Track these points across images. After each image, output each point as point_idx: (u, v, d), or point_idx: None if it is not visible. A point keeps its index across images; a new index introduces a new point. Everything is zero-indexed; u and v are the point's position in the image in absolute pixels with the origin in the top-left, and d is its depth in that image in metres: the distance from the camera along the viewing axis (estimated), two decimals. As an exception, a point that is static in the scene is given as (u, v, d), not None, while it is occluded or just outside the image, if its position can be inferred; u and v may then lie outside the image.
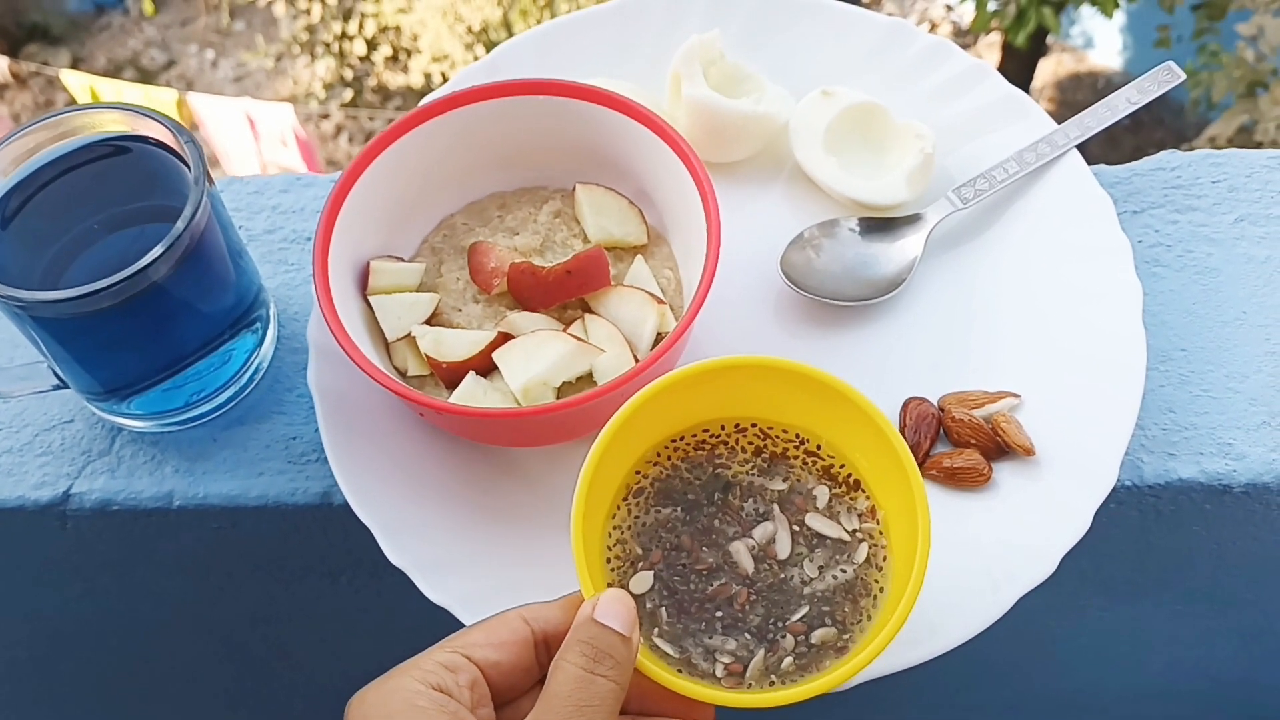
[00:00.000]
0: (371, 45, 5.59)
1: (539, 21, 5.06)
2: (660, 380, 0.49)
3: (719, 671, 0.47)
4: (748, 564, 0.49)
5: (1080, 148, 0.67)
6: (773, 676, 0.47)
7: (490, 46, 5.20)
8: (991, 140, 0.69)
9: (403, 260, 0.65)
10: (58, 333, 0.57)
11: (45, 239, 0.59)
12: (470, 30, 5.34)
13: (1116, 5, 4.17)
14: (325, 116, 5.63)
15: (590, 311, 0.62)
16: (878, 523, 0.50)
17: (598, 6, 0.74)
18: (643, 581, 0.49)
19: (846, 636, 0.48)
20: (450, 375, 0.60)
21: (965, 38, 5.45)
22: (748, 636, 0.48)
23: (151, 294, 0.55)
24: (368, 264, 0.63)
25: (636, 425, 0.49)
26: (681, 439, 0.52)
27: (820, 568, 0.49)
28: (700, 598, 0.48)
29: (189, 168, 0.57)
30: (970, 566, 0.56)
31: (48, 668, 0.85)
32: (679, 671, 0.47)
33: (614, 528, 0.50)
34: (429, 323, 0.62)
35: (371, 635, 0.74)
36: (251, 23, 5.97)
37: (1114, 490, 0.57)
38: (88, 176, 0.60)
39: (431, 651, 0.43)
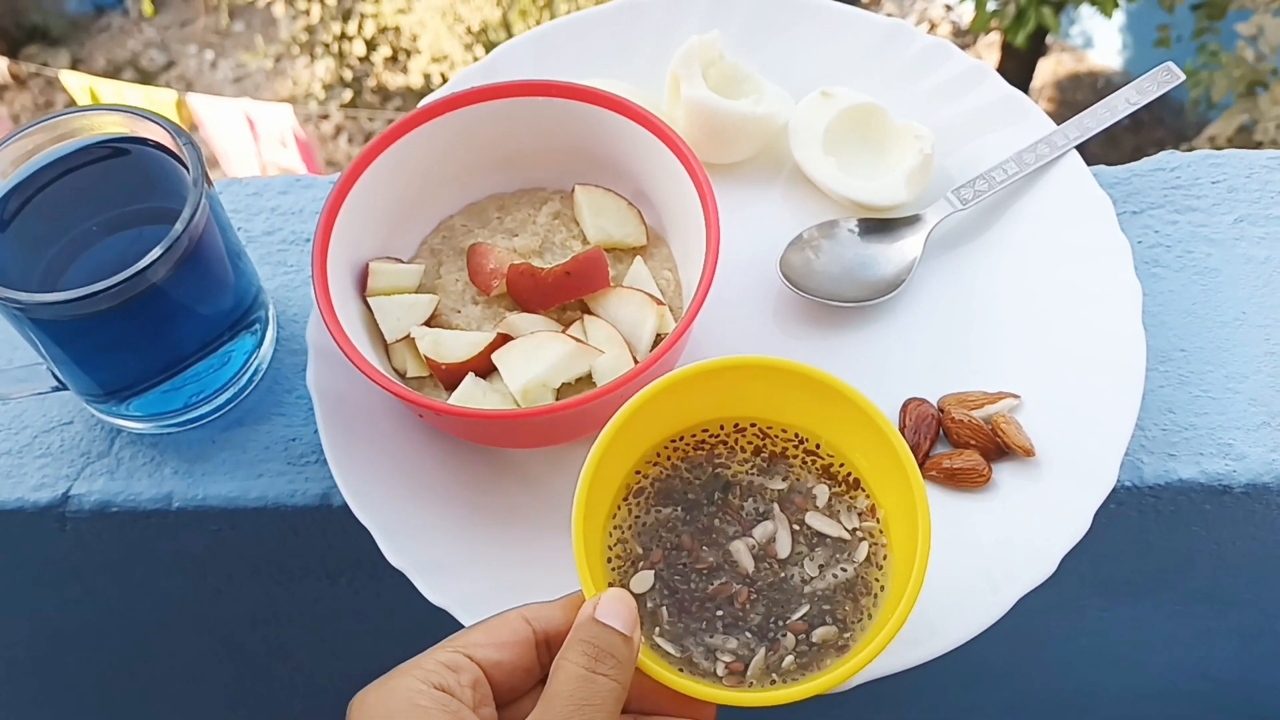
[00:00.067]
0: (371, 46, 5.59)
1: (538, 22, 5.07)
2: (660, 381, 0.49)
3: (720, 670, 0.47)
4: (748, 563, 0.49)
5: (1080, 148, 0.67)
6: (774, 675, 0.47)
7: (489, 47, 5.20)
8: (991, 141, 0.69)
9: (402, 262, 0.65)
10: (56, 334, 0.57)
11: (44, 241, 0.59)
12: (469, 31, 5.34)
13: (1116, 5, 4.17)
14: (325, 117, 5.63)
15: (589, 313, 0.62)
16: (878, 521, 0.51)
17: (597, 7, 0.74)
18: (643, 581, 0.49)
19: (847, 635, 0.48)
20: (449, 377, 0.60)
21: (965, 38, 5.45)
22: (749, 635, 0.48)
23: (150, 296, 0.55)
24: (367, 265, 0.63)
25: (636, 426, 0.50)
26: (681, 439, 0.52)
27: (821, 566, 0.49)
28: (701, 597, 0.49)
29: (188, 169, 0.57)
30: (970, 567, 0.56)
31: (47, 668, 0.85)
32: (680, 670, 0.47)
33: (614, 527, 0.50)
34: (428, 324, 0.62)
35: (371, 636, 0.74)
36: (251, 23, 5.97)
37: (1114, 491, 0.57)
38: (87, 178, 0.60)
39: (433, 651, 0.43)
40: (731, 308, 0.64)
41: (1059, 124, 0.68)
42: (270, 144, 4.01)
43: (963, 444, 0.59)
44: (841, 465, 0.52)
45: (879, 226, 0.67)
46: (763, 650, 0.47)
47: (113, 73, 5.54)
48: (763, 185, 0.70)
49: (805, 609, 0.48)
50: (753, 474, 0.52)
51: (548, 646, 0.45)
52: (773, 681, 0.47)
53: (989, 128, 0.69)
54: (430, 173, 0.65)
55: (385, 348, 0.62)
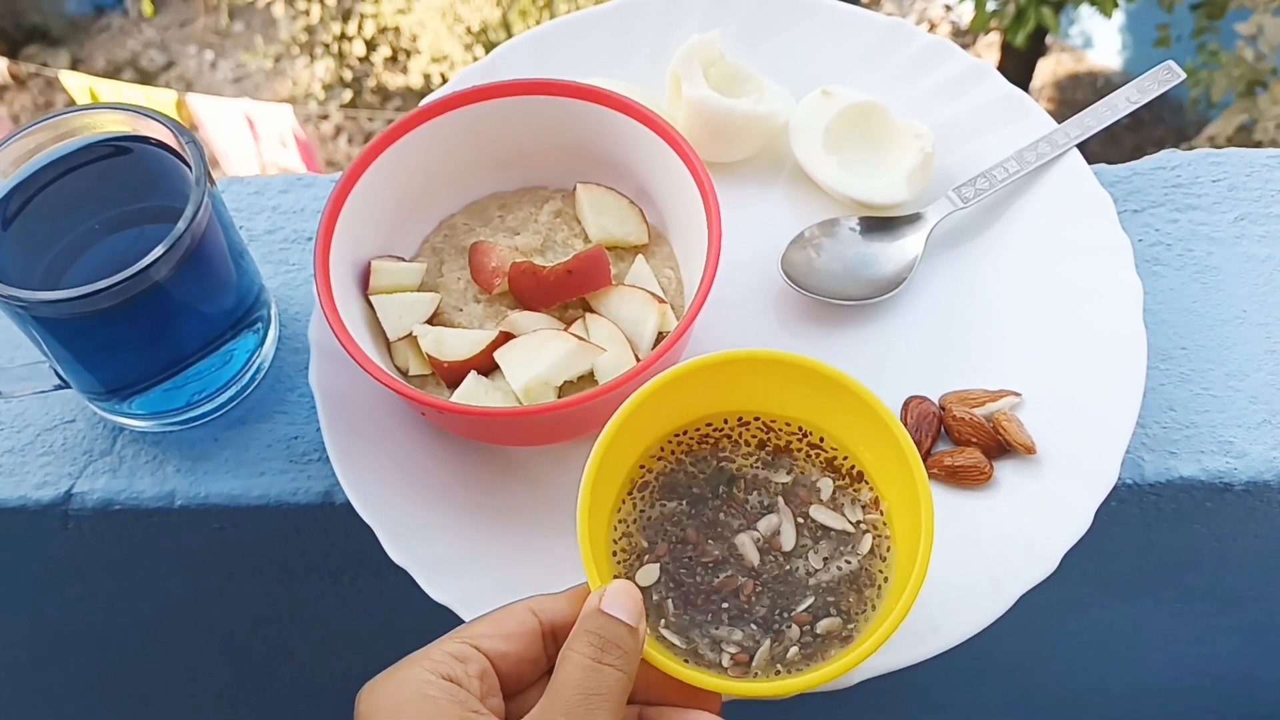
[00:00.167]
0: (371, 46, 5.59)
1: (538, 22, 5.07)
2: (663, 375, 0.50)
3: (725, 661, 0.47)
4: (753, 556, 0.49)
5: (1080, 147, 0.67)
6: (779, 666, 0.47)
7: (489, 47, 5.20)
8: (991, 139, 0.69)
9: (404, 260, 0.65)
10: (59, 333, 0.57)
11: (46, 239, 0.59)
12: (469, 31, 5.34)
13: (1115, 5, 4.17)
14: (324, 117, 5.63)
15: (591, 311, 0.62)
16: (881, 514, 0.51)
17: (597, 7, 0.74)
18: (649, 574, 0.49)
19: (851, 626, 0.48)
20: (451, 375, 0.60)
21: (964, 38, 5.45)
22: (754, 627, 0.48)
23: (153, 294, 0.55)
24: (369, 264, 0.63)
25: (640, 420, 0.50)
26: (685, 433, 0.53)
27: (825, 559, 0.50)
28: (706, 589, 0.49)
29: (190, 168, 0.57)
30: (972, 565, 0.56)
31: (49, 668, 0.85)
32: (686, 662, 0.47)
33: (619, 521, 0.51)
34: (430, 322, 0.63)
35: (373, 635, 0.74)
36: (250, 24, 5.97)
37: (1115, 488, 0.57)
38: (89, 177, 0.60)
39: (440, 642, 0.44)
40: (733, 306, 0.64)
41: (1059, 123, 0.68)
42: (270, 144, 4.01)
43: (964, 442, 0.60)
44: (845, 458, 0.52)
45: (880, 225, 0.67)
46: (768, 642, 0.48)
47: (113, 73, 5.54)
48: (764, 184, 0.70)
49: (810, 601, 0.49)
50: (757, 467, 0.52)
51: (554, 638, 0.45)
52: (777, 672, 0.47)
53: (990, 126, 0.69)
54: (432, 171, 0.65)
55: (387, 346, 0.62)
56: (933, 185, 0.68)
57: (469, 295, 0.64)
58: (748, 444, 0.53)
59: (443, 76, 5.38)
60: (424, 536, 0.58)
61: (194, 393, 0.63)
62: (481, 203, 0.68)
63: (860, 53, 0.72)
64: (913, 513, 0.48)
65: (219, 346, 0.62)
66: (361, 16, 5.51)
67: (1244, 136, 3.62)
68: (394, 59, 5.63)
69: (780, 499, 0.51)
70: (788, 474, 0.52)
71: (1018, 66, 4.85)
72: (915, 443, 0.59)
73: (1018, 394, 0.61)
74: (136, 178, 0.61)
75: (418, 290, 0.64)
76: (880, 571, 0.50)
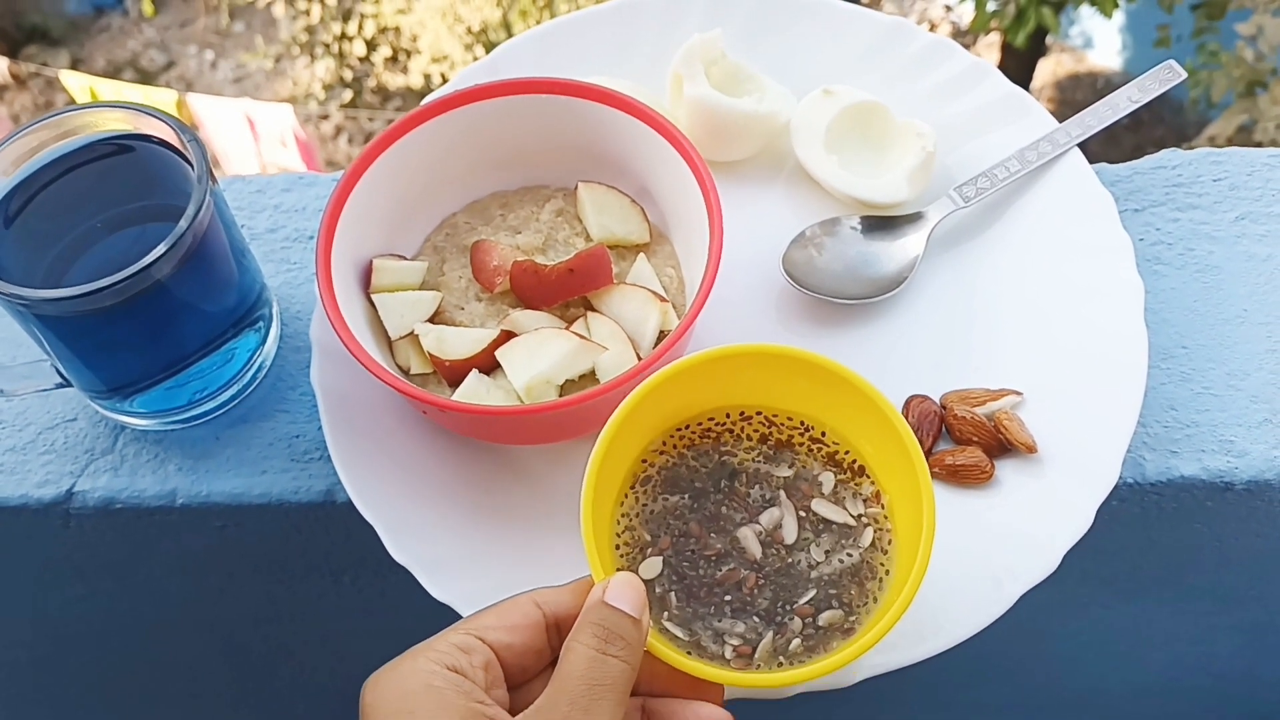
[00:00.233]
0: (371, 46, 5.59)
1: (538, 22, 5.06)
2: (665, 369, 0.50)
3: (728, 654, 0.48)
4: (755, 549, 0.50)
5: (1081, 146, 0.67)
6: (781, 658, 0.48)
7: (490, 47, 5.20)
8: (992, 139, 0.69)
9: (405, 259, 0.65)
10: (61, 331, 0.57)
11: (48, 238, 0.59)
12: (470, 31, 5.34)
13: (1116, 5, 4.17)
14: (325, 117, 5.63)
15: (593, 310, 0.62)
16: (883, 507, 0.51)
17: (598, 6, 0.74)
18: (652, 567, 0.50)
19: (853, 619, 0.49)
20: (453, 373, 0.60)
21: (965, 38, 5.45)
22: (756, 619, 0.49)
23: (154, 293, 0.55)
24: (370, 262, 0.63)
25: (642, 414, 0.50)
26: (687, 427, 0.53)
27: (827, 552, 0.50)
28: (709, 582, 0.49)
29: (192, 166, 0.57)
30: (973, 563, 0.56)
31: (49, 667, 0.85)
32: (689, 654, 0.47)
33: (622, 515, 0.51)
34: (432, 321, 0.63)
35: (374, 634, 0.74)
36: (251, 24, 5.97)
37: (1116, 487, 0.57)
38: (90, 175, 0.60)
39: (445, 634, 0.44)
40: (734, 305, 0.64)
41: (1060, 122, 0.68)
42: (270, 144, 4.01)
43: (965, 441, 0.60)
44: (847, 452, 0.52)
45: (881, 224, 0.67)
46: (770, 634, 0.48)
47: (113, 73, 5.54)
48: (765, 183, 0.70)
49: (812, 593, 0.49)
50: (759, 461, 0.52)
51: (558, 630, 0.45)
52: (780, 664, 0.48)
53: (991, 125, 0.69)
54: (433, 170, 0.65)
55: (389, 345, 0.63)
56: (934, 184, 0.68)
57: (470, 294, 0.64)
58: (749, 438, 0.53)
59: (443, 76, 5.37)
60: (425, 535, 0.58)
61: (195, 391, 0.63)
62: (483, 201, 0.68)
63: (861, 52, 0.72)
64: (914, 506, 0.48)
65: (220, 345, 0.62)
66: (362, 16, 5.51)
67: (1244, 137, 3.62)
68: (394, 59, 5.63)
69: (782, 493, 0.51)
70: (789, 468, 0.52)
71: (1018, 67, 4.85)
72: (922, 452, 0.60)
73: (1019, 393, 0.61)
74: (138, 176, 0.61)
75: (419, 289, 0.64)
76: (882, 564, 0.50)
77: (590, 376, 0.60)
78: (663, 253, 0.65)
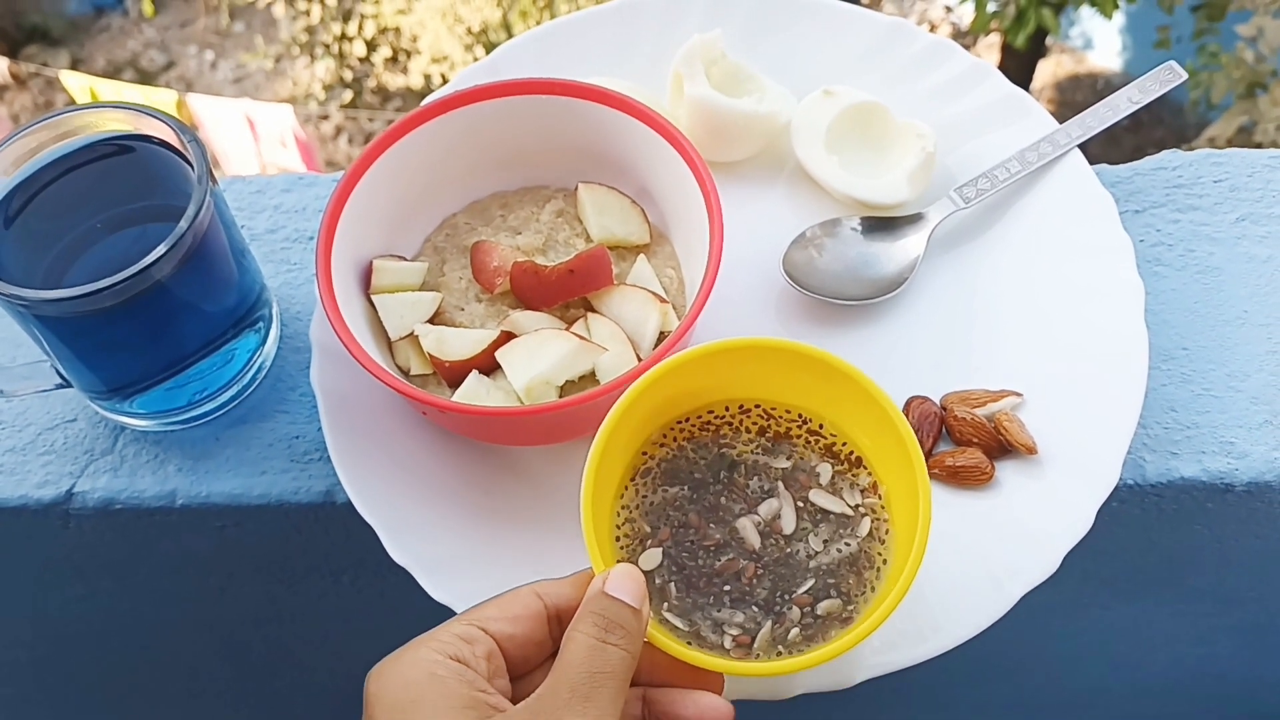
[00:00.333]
0: (371, 46, 5.59)
1: (538, 22, 5.07)
2: (665, 363, 0.50)
3: (728, 643, 0.48)
4: (754, 539, 0.50)
5: (1081, 147, 0.67)
6: (780, 647, 0.48)
7: (490, 48, 5.20)
8: (993, 139, 0.69)
9: (405, 259, 0.65)
10: (61, 332, 0.57)
11: (48, 238, 0.59)
12: (470, 31, 5.34)
13: (1116, 6, 4.17)
14: (325, 118, 5.63)
15: (593, 310, 0.62)
16: (879, 497, 0.52)
17: (598, 6, 0.74)
18: (652, 558, 0.50)
19: (851, 607, 0.49)
20: (453, 374, 0.60)
21: (965, 39, 5.45)
22: (755, 609, 0.49)
23: (154, 293, 0.55)
24: (370, 263, 0.63)
25: (642, 407, 0.51)
26: (687, 420, 0.53)
27: (825, 542, 0.51)
28: (708, 573, 0.50)
29: (192, 167, 0.57)
30: (973, 565, 0.56)
31: (49, 667, 0.85)
32: (689, 644, 0.48)
33: (622, 507, 0.51)
34: (432, 322, 0.63)
35: (374, 634, 0.74)
36: (251, 24, 5.97)
37: (1116, 489, 0.57)
38: (90, 176, 0.60)
39: (448, 624, 0.45)
40: (734, 306, 0.64)
41: (1060, 123, 0.68)
42: (270, 144, 4.01)
43: (965, 442, 0.60)
44: (844, 444, 0.53)
45: (881, 225, 0.67)
46: (769, 623, 0.49)
47: (113, 73, 5.54)
48: (765, 184, 0.70)
49: (810, 583, 0.49)
50: (757, 453, 0.53)
51: (559, 621, 0.46)
52: (779, 653, 0.48)
53: (991, 126, 0.69)
54: (434, 171, 0.65)
55: (389, 345, 0.62)
56: (934, 185, 0.68)
57: (470, 294, 0.64)
58: (748, 431, 0.53)
59: (443, 77, 5.38)
60: (425, 536, 0.58)
61: (195, 392, 0.63)
62: (483, 202, 0.68)
63: (861, 52, 0.72)
64: (910, 496, 0.49)
65: (220, 346, 0.62)
66: (362, 17, 5.51)
67: (1244, 138, 3.62)
68: (394, 59, 5.63)
69: (780, 484, 0.52)
70: (787, 459, 0.53)
71: (1018, 68, 4.85)
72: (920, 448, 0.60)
73: (1019, 394, 0.61)
74: (138, 177, 0.61)
75: (419, 289, 0.64)
76: (879, 554, 0.50)
77: (590, 377, 0.60)
78: (663, 253, 0.65)
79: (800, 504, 0.51)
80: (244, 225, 0.73)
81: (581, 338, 0.59)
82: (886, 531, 0.51)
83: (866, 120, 0.69)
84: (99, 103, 0.61)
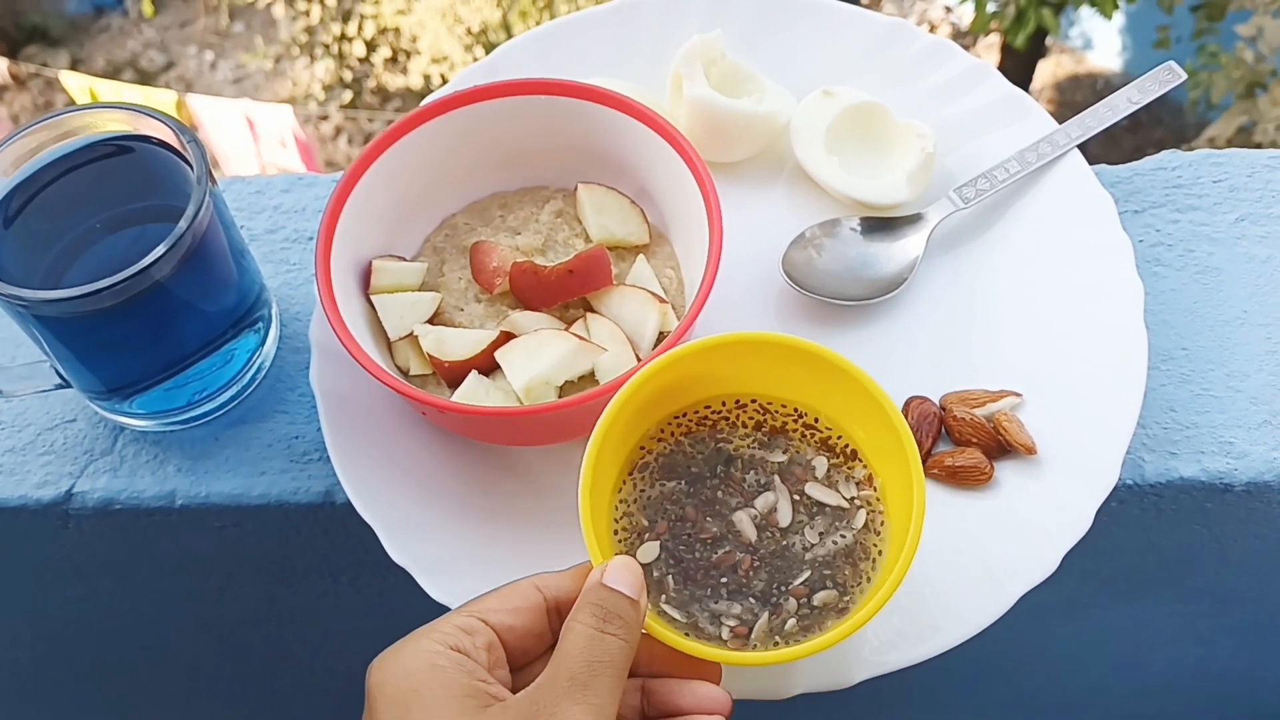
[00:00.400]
0: (371, 47, 5.59)
1: (538, 23, 5.07)
2: (662, 357, 0.51)
3: (725, 635, 0.49)
4: (750, 532, 0.51)
5: (1080, 148, 0.67)
6: (777, 638, 0.49)
7: (489, 48, 5.20)
8: (992, 140, 0.69)
9: (405, 260, 0.65)
10: (60, 332, 0.57)
11: (48, 238, 0.59)
12: (469, 32, 5.34)
13: (1115, 6, 4.17)
14: (324, 118, 5.63)
15: (592, 311, 0.62)
16: (875, 489, 0.52)
17: (597, 7, 0.74)
18: (649, 551, 0.50)
19: (847, 598, 0.49)
20: (452, 374, 0.60)
21: (964, 39, 5.45)
22: (752, 601, 0.49)
23: (154, 293, 0.55)
24: (370, 263, 0.63)
25: (640, 402, 0.51)
26: (684, 415, 0.54)
27: (820, 534, 0.51)
28: (705, 565, 0.50)
29: (191, 167, 0.57)
30: (972, 565, 0.56)
31: (49, 667, 0.85)
32: (686, 636, 0.48)
33: (620, 501, 0.52)
34: (431, 322, 0.63)
35: (374, 635, 0.74)
36: (250, 24, 5.97)
37: (1115, 489, 0.57)
38: (90, 176, 0.60)
39: (449, 616, 0.45)
40: (734, 306, 0.64)
41: (1060, 124, 0.68)
42: (270, 145, 4.01)
43: (965, 442, 0.60)
44: (839, 438, 0.53)
45: (881, 225, 0.67)
46: (766, 615, 0.49)
47: (112, 73, 5.54)
48: (765, 184, 0.70)
49: (806, 574, 0.50)
50: (754, 448, 0.53)
51: (558, 613, 0.46)
52: (776, 644, 0.48)
53: (990, 126, 0.69)
54: (433, 171, 0.65)
55: (388, 346, 0.63)
56: (934, 185, 0.68)
57: (470, 295, 0.64)
58: (745, 425, 0.54)
59: (443, 77, 5.37)
60: (424, 536, 0.58)
61: (195, 392, 0.63)
62: (483, 202, 0.68)
63: (861, 53, 0.72)
64: (905, 487, 0.49)
65: (220, 346, 0.62)
66: (361, 17, 5.51)
67: (1244, 138, 3.62)
68: (394, 60, 5.63)
69: (776, 477, 0.52)
70: (784, 453, 0.53)
71: (1018, 68, 4.85)
72: (916, 443, 0.60)
73: (1018, 394, 0.61)
74: (137, 177, 0.61)
75: (419, 290, 0.64)
76: (874, 545, 0.51)
77: (589, 377, 0.60)
78: (662, 254, 0.65)
79: (796, 497, 0.52)
80: (243, 225, 0.73)
81: (581, 338, 0.59)
82: (882, 523, 0.51)
83: (866, 121, 0.69)
84: (98, 103, 0.61)
